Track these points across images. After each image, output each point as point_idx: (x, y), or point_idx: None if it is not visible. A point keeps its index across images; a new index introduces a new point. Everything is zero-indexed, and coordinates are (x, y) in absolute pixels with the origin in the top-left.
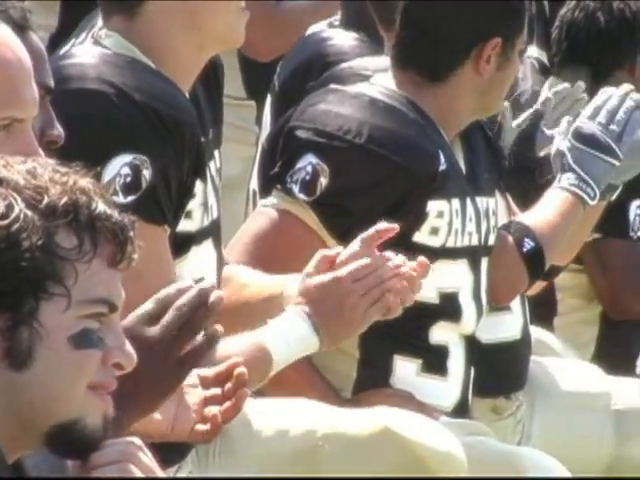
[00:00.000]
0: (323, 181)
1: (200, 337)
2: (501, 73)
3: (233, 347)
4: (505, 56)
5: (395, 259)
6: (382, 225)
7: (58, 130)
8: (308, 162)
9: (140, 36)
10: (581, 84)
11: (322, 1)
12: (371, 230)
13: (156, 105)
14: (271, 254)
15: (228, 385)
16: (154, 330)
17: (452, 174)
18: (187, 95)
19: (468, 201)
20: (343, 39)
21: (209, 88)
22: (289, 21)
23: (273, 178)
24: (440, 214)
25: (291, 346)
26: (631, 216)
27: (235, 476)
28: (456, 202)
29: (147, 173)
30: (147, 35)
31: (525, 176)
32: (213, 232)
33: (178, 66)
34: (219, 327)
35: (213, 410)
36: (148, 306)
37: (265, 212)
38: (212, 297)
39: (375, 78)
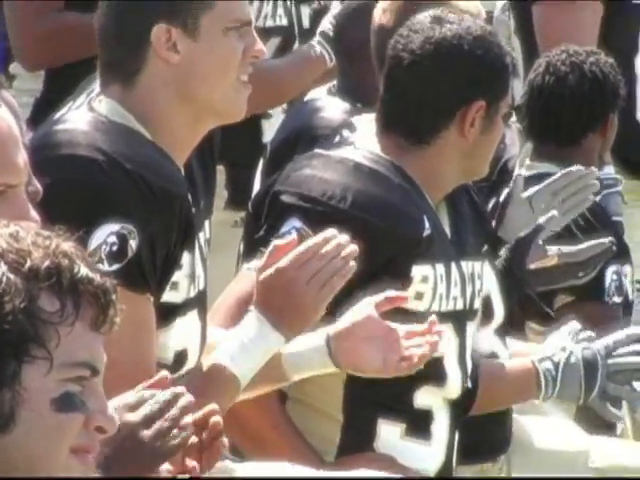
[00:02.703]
0: None
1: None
2: (486, 136)
3: (191, 381)
4: (489, 119)
5: (338, 238)
6: (392, 292)
7: (35, 187)
8: (292, 226)
9: (136, 105)
10: (595, 171)
11: (303, 64)
12: (381, 296)
13: (147, 175)
14: None
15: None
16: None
17: (437, 239)
18: (182, 166)
19: (453, 265)
20: (335, 111)
21: (203, 158)
22: (263, 80)
23: (258, 241)
24: (424, 279)
25: (251, 351)
26: (607, 281)
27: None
28: (440, 267)
29: (133, 243)
30: (143, 104)
31: (511, 282)
32: (199, 303)
33: (173, 137)
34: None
35: (192, 462)
36: (129, 398)
37: (249, 275)
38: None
39: (360, 142)
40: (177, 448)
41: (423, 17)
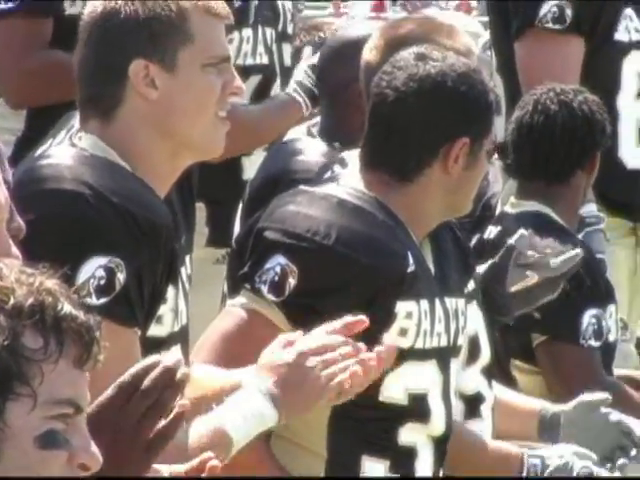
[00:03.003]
0: (292, 282)
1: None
2: (469, 173)
3: (192, 435)
4: (473, 156)
5: (355, 344)
6: (349, 318)
7: (18, 223)
8: (277, 263)
9: (116, 139)
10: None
11: (280, 111)
12: (338, 322)
13: (132, 208)
14: (239, 353)
15: None
16: (120, 416)
17: (421, 275)
18: (162, 199)
19: (437, 302)
20: (314, 154)
21: (182, 193)
22: (238, 125)
23: (242, 278)
24: (409, 315)
25: (249, 421)
26: (584, 324)
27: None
28: (425, 303)
29: (121, 276)
30: (122, 139)
31: (494, 310)
32: (182, 338)
33: (153, 171)
34: (185, 404)
35: None
36: (111, 392)
37: (233, 312)
38: (178, 375)
39: (343, 179)
40: None
41: (407, 54)
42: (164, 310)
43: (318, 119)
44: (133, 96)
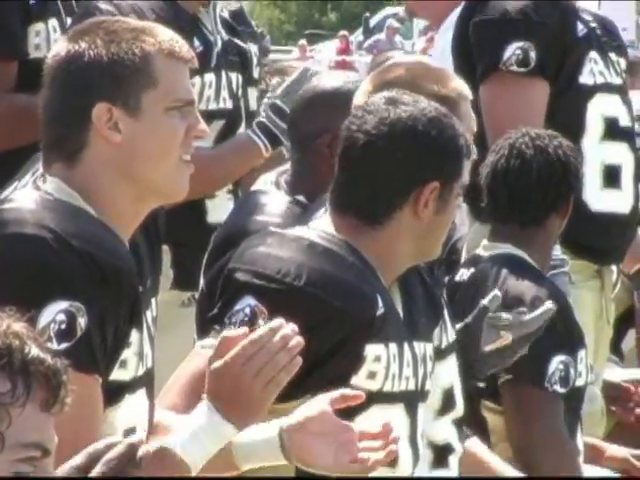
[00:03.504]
0: (262, 323)
1: None
2: (439, 217)
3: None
4: (443, 200)
5: (285, 329)
6: (348, 391)
7: None
8: (247, 304)
9: (80, 183)
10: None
11: (239, 153)
12: (337, 393)
13: (95, 252)
14: None
15: None
16: None
17: (390, 318)
18: (127, 243)
19: (406, 346)
20: (273, 214)
21: (148, 236)
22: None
23: (211, 319)
24: (377, 358)
25: (202, 439)
26: (550, 368)
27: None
28: (394, 346)
29: (82, 321)
30: (86, 183)
31: (468, 371)
32: (147, 381)
33: (117, 214)
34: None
35: None
36: (78, 460)
37: (203, 353)
38: (140, 452)
39: (314, 223)
40: None
41: (378, 98)
42: (128, 354)
43: (288, 166)
44: (97, 140)
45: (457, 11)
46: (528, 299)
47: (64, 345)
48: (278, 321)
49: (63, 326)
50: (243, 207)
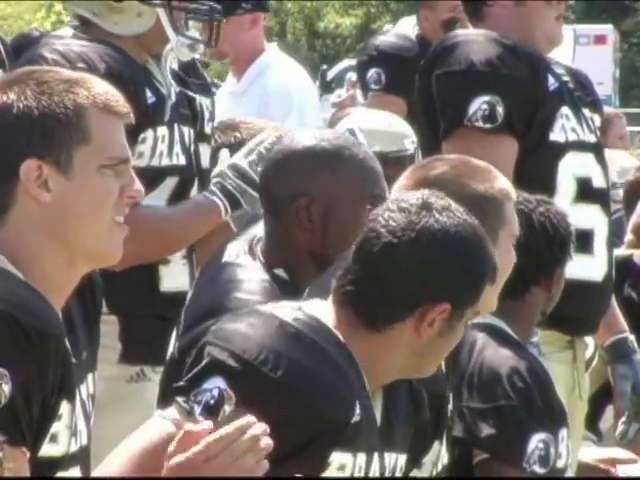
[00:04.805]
0: (227, 409)
1: None
2: (442, 339)
3: None
4: (450, 323)
5: (253, 428)
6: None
7: None
8: (216, 385)
9: (6, 244)
10: None
11: (197, 214)
12: None
13: (20, 316)
14: (158, 468)
15: None
16: None
17: (365, 426)
18: (59, 311)
19: (376, 456)
20: (256, 285)
21: (85, 306)
22: (152, 228)
23: (177, 390)
24: (342, 467)
25: None
26: (529, 447)
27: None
28: (362, 456)
29: (6, 388)
30: (13, 244)
31: None
32: (81, 460)
33: (47, 279)
34: None
35: None
36: None
37: (161, 424)
38: None
39: (309, 305)
40: None
41: (414, 197)
42: (59, 427)
43: (261, 233)
44: (24, 198)
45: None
46: (505, 371)
47: None
48: (248, 419)
49: None
50: (218, 281)
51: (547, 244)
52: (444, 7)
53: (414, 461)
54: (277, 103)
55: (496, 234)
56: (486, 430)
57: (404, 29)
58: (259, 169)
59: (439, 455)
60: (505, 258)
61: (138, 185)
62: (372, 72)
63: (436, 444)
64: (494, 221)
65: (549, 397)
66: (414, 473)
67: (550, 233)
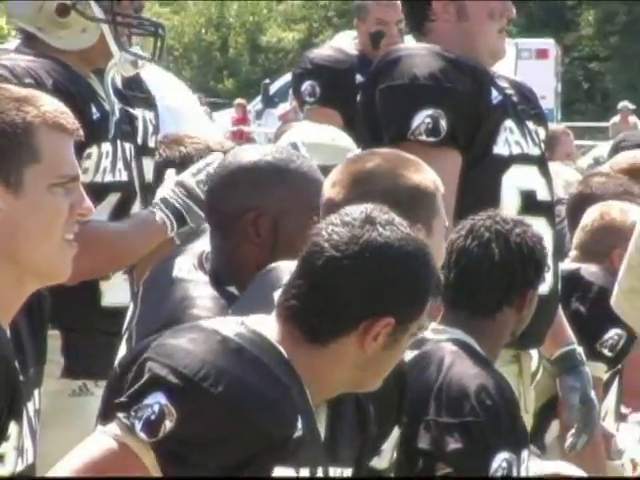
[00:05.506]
0: (168, 425)
1: None
2: (386, 354)
3: None
4: (394, 337)
5: None
6: None
7: None
8: (156, 401)
9: None
10: None
11: (142, 230)
12: None
13: None
14: None
15: None
16: None
17: (308, 441)
18: (7, 328)
19: (320, 470)
20: (208, 302)
21: (33, 322)
22: (96, 244)
23: (118, 406)
24: None
25: None
26: (494, 465)
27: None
28: (305, 471)
29: None
30: None
31: None
32: (27, 478)
33: None
34: None
35: None
36: None
37: (102, 440)
38: None
39: (252, 320)
40: None
41: (357, 211)
42: (7, 449)
43: (208, 248)
44: None
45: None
46: (473, 388)
47: None
48: None
49: None
50: (172, 298)
51: (522, 265)
52: (372, 20)
53: (373, 450)
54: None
55: (430, 225)
56: (452, 445)
57: (340, 42)
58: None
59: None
60: (439, 250)
61: (88, 202)
62: (307, 85)
63: (396, 428)
64: (429, 212)
65: (515, 417)
66: (375, 460)
67: (525, 254)
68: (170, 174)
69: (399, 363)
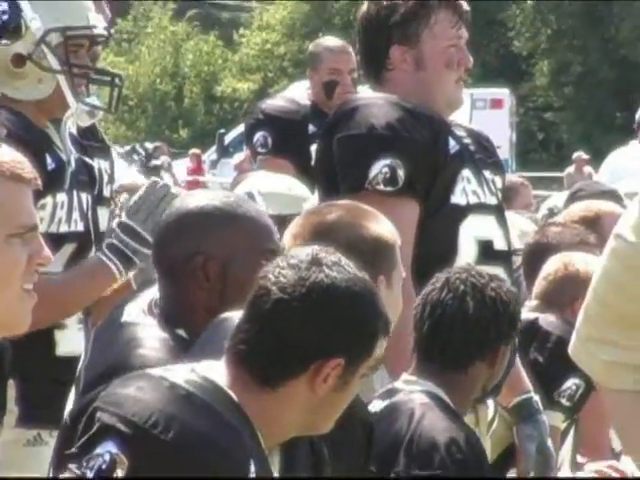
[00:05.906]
0: (120, 473)
1: None
2: (337, 395)
3: None
4: (344, 379)
5: None
6: None
7: None
8: (107, 450)
9: None
10: None
11: (89, 277)
12: None
13: None
14: None
15: None
16: None
17: None
18: None
19: None
20: (156, 345)
21: None
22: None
23: (69, 457)
24: None
25: None
26: None
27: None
28: None
29: None
30: None
31: None
32: None
33: None
34: None
35: None
36: None
37: None
38: None
39: (203, 365)
40: None
41: (304, 253)
42: None
43: (157, 295)
44: None
45: None
46: (443, 441)
47: None
48: None
49: None
50: (118, 341)
51: (496, 320)
52: (325, 69)
53: None
54: None
55: (390, 276)
56: None
57: (293, 92)
58: (150, 227)
59: None
60: (397, 301)
61: (47, 252)
62: (259, 135)
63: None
64: (389, 263)
65: (484, 471)
66: None
67: (500, 310)
68: (123, 216)
69: (366, 413)
